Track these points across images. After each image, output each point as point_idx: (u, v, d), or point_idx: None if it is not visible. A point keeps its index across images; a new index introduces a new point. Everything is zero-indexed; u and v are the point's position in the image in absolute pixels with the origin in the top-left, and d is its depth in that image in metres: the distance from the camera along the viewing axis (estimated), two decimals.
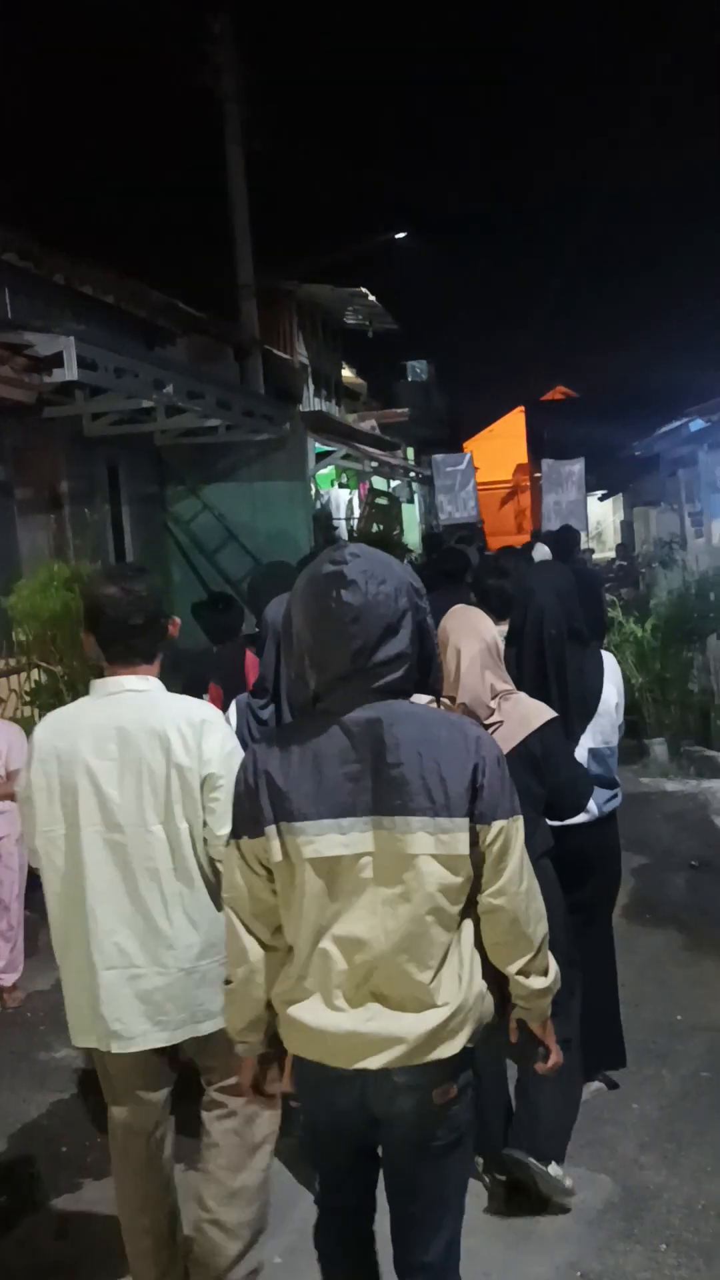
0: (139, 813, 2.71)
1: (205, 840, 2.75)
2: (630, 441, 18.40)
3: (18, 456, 9.32)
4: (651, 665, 9.16)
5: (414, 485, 24.00)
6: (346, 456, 16.13)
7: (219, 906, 2.60)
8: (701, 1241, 3.37)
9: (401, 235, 21.43)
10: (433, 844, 2.14)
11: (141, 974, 2.76)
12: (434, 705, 2.35)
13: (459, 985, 2.19)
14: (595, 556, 19.79)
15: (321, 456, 14.91)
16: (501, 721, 3.28)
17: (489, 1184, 3.65)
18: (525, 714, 3.33)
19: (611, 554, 19.89)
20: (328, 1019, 2.18)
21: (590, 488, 24.53)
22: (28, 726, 6.84)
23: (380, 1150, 2.36)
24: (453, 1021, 2.18)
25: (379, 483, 20.89)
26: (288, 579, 4.03)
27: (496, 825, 2.17)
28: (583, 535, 14.01)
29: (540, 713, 3.36)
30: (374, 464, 18.30)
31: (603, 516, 26.82)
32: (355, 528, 17.48)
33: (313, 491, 14.74)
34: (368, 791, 2.16)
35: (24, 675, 7.22)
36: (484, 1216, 3.54)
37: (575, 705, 3.82)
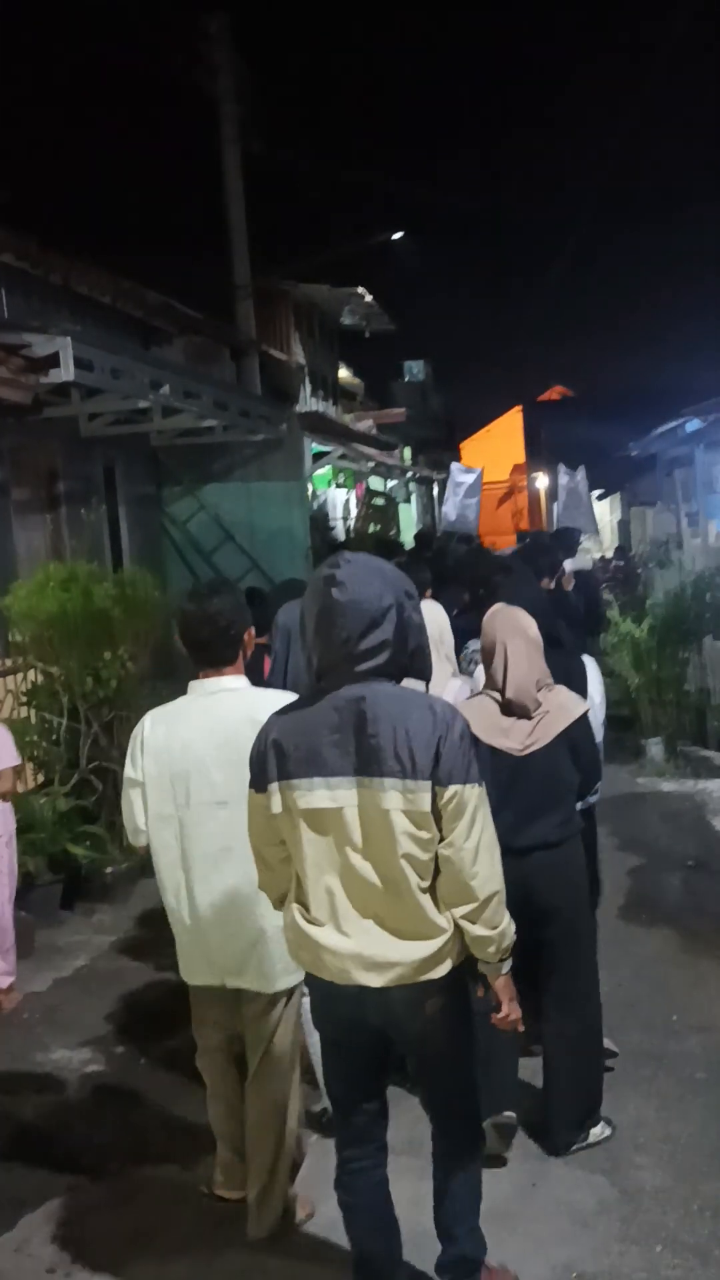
0: (241, 791, 2.94)
1: None
2: (627, 441, 18.41)
3: (14, 457, 9.32)
4: (648, 665, 9.17)
5: (411, 485, 23.99)
6: (343, 457, 16.13)
7: None
8: (697, 1242, 3.38)
9: (398, 235, 21.43)
10: (402, 801, 2.59)
11: (238, 935, 3.27)
12: (424, 690, 2.78)
13: (444, 920, 2.65)
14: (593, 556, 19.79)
15: (318, 457, 14.91)
16: (548, 711, 3.67)
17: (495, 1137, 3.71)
18: (565, 704, 3.70)
19: (609, 553, 19.89)
20: (336, 942, 2.66)
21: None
22: (25, 727, 6.88)
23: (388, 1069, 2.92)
24: (441, 948, 2.65)
25: (376, 483, 20.89)
26: (300, 592, 4.57)
27: (452, 788, 2.60)
28: (585, 537, 14.08)
29: (577, 703, 3.74)
30: (371, 464, 18.30)
31: (600, 516, 26.82)
32: (352, 528, 17.48)
33: (309, 492, 14.74)
34: (351, 756, 2.62)
35: (20, 676, 7.23)
36: (480, 1221, 3.54)
37: None
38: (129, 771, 3.35)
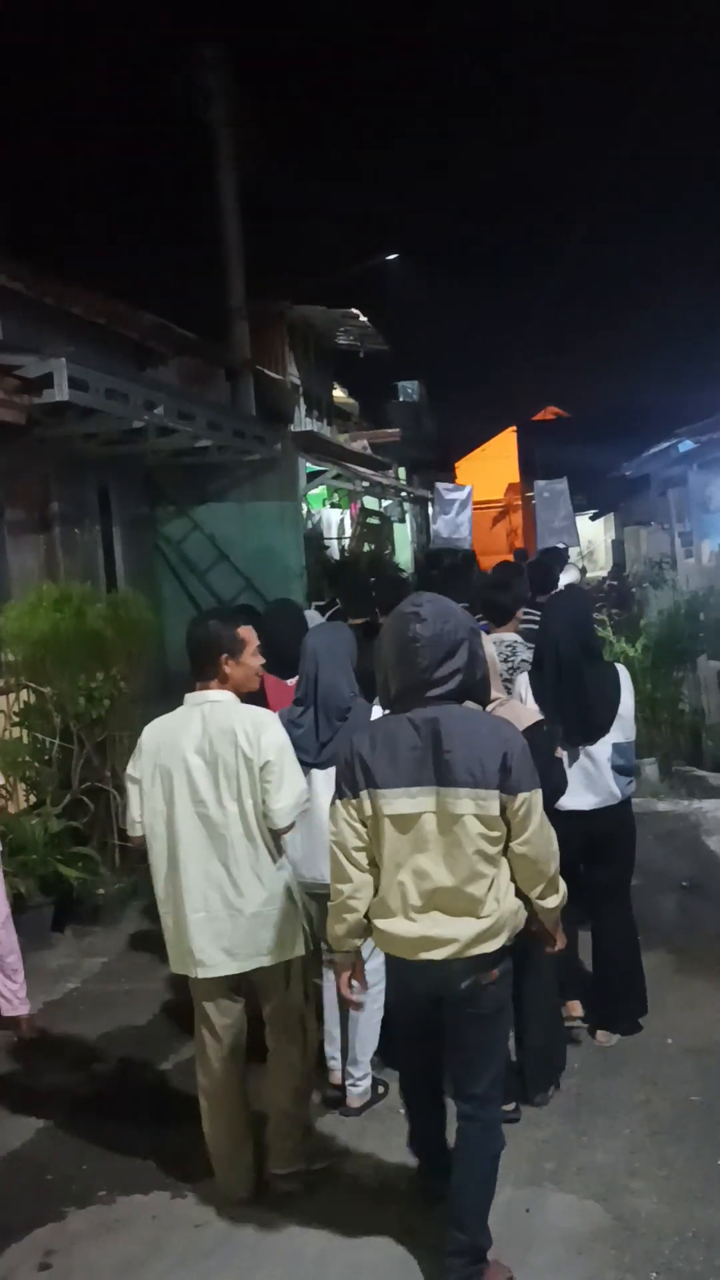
0: (217, 793, 3.54)
1: (265, 813, 3.57)
2: (621, 462, 18.45)
3: (8, 477, 9.31)
4: (642, 685, 9.14)
5: (405, 505, 24.01)
6: (338, 476, 16.17)
7: (276, 864, 3.66)
8: (693, 1270, 3.34)
9: (393, 256, 21.55)
10: (474, 806, 3.05)
11: (219, 917, 3.59)
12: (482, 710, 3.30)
13: (498, 903, 3.12)
14: (587, 575, 19.80)
15: (313, 476, 14.94)
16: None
17: None
18: (517, 715, 4.00)
19: (603, 573, 19.91)
20: (404, 927, 3.12)
21: (581, 507, 24.62)
22: (17, 748, 6.85)
23: (445, 1024, 3.28)
24: (494, 927, 3.11)
25: (370, 502, 20.90)
26: (296, 614, 5.64)
27: (521, 796, 3.08)
28: (574, 552, 14.31)
29: (529, 716, 4.14)
30: (365, 484, 18.32)
31: (594, 536, 26.86)
32: (347, 547, 17.50)
33: (304, 511, 14.76)
34: (430, 768, 3.07)
35: (12, 696, 7.20)
36: None
37: (597, 710, 4.61)
38: (130, 769, 3.71)
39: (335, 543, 17.66)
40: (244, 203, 15.04)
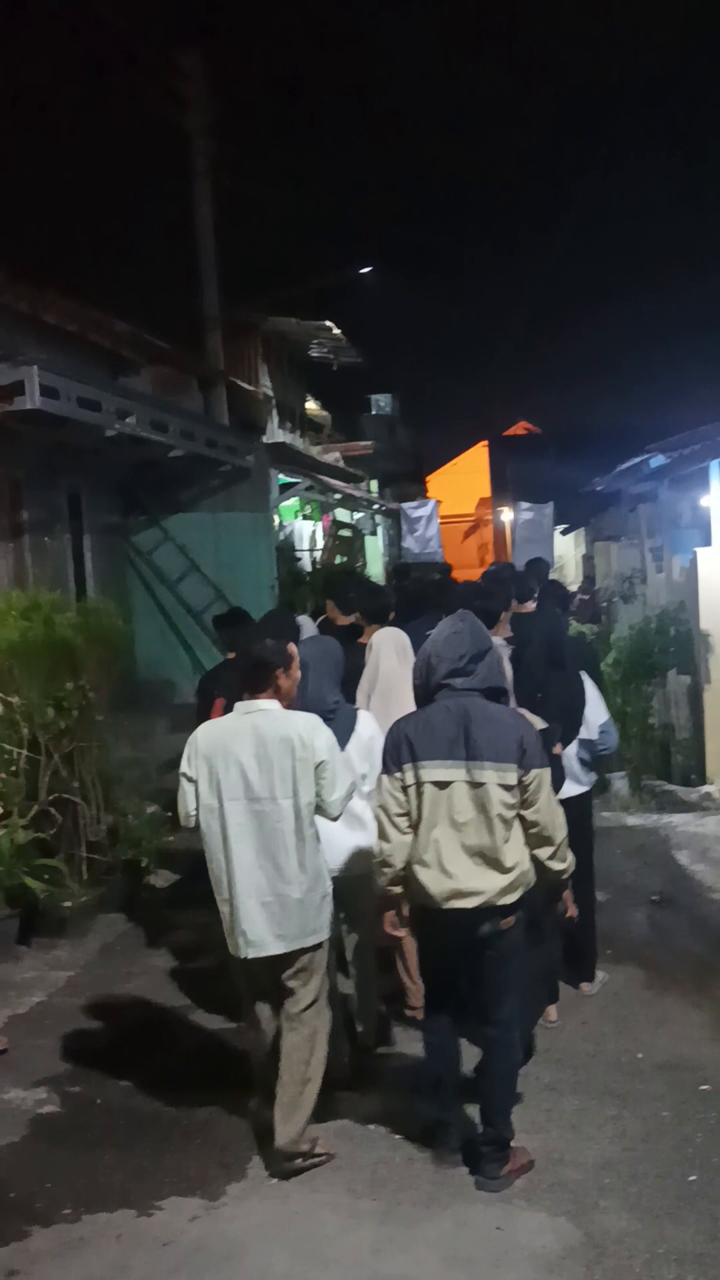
0: (271, 790, 3.95)
1: (318, 805, 3.98)
2: (592, 477, 18.52)
3: None
4: (612, 699, 9.16)
5: (377, 518, 24.02)
6: (310, 488, 16.15)
7: (317, 854, 4.06)
8: None
9: (367, 270, 21.57)
10: (496, 777, 3.73)
11: (269, 902, 3.96)
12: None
13: (516, 862, 3.75)
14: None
15: (285, 488, 14.91)
16: None
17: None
18: None
19: (574, 588, 19.96)
20: (440, 881, 3.76)
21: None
22: None
23: (469, 965, 3.87)
24: (515, 880, 3.75)
25: (342, 515, 20.88)
26: (291, 622, 6.08)
27: (534, 771, 3.77)
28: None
29: (533, 724, 4.54)
30: (338, 496, 18.32)
31: (565, 551, 26.94)
32: (318, 559, 17.47)
33: (276, 523, 14.72)
34: (461, 746, 3.76)
35: None
36: (440, 1265, 3.47)
37: (562, 714, 5.04)
38: (184, 769, 4.07)
39: (307, 555, 17.62)
40: (219, 213, 15.04)
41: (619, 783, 8.98)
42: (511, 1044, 3.98)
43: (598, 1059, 4.74)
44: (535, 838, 3.82)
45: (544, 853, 3.84)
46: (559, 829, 3.85)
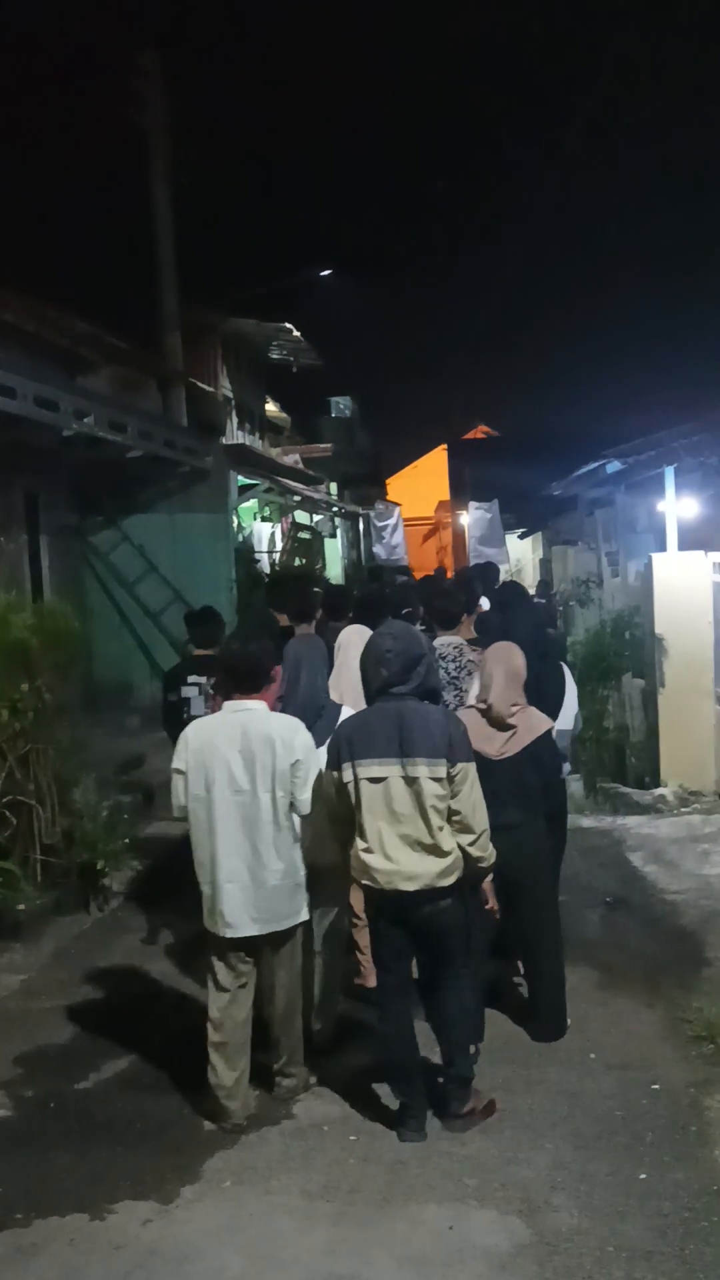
0: (252, 784, 4.27)
1: (292, 803, 4.30)
2: (549, 481, 18.65)
3: None
4: None
5: (336, 520, 24.03)
6: (269, 490, 16.12)
7: (293, 844, 4.38)
8: None
9: (327, 272, 21.60)
10: (428, 771, 4.03)
11: (247, 886, 4.28)
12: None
13: (452, 848, 4.08)
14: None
15: (244, 489, 14.87)
16: (516, 728, 4.88)
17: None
18: (533, 724, 4.91)
19: (530, 591, 20.06)
20: (383, 864, 4.07)
21: (510, 526, 24.84)
22: None
23: (415, 940, 4.19)
24: (449, 865, 4.08)
25: (302, 517, 20.88)
26: (273, 621, 6.77)
27: (460, 765, 4.07)
28: (503, 569, 14.66)
29: (542, 723, 4.96)
30: (297, 498, 18.30)
31: (522, 554, 27.11)
32: (277, 561, 17.45)
33: (235, 524, 14.69)
34: (395, 744, 4.05)
35: None
36: (393, 1265, 3.49)
37: (542, 701, 5.20)
38: (176, 763, 4.38)
39: (266, 557, 17.59)
40: (178, 213, 14.99)
41: (574, 785, 9.06)
42: (463, 987, 4.30)
43: (550, 1059, 4.79)
44: (459, 824, 4.11)
45: (465, 839, 4.14)
46: (480, 820, 4.16)
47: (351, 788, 4.12)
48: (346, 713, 4.85)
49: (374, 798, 4.09)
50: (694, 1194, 3.78)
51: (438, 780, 4.04)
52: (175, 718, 6.42)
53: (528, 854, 4.82)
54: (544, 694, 5.36)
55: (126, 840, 7.33)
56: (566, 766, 5.76)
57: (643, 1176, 3.90)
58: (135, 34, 14.97)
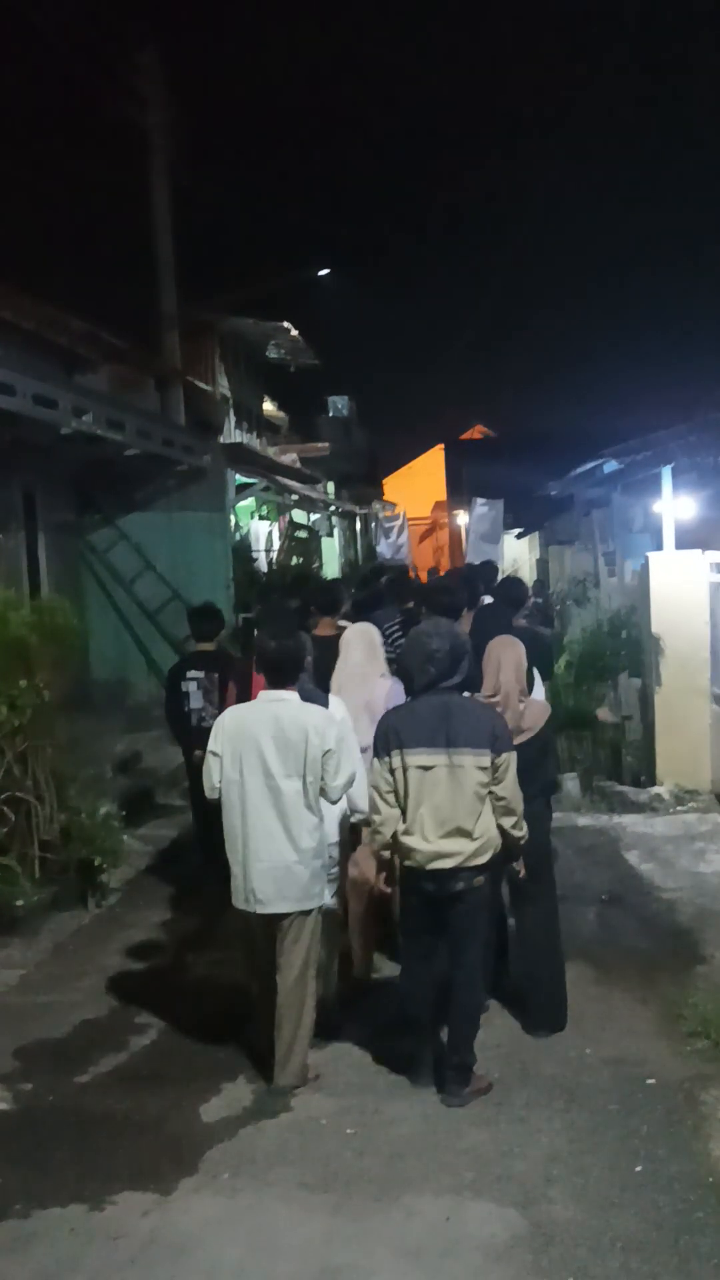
0: (284, 770, 4.51)
1: (323, 788, 4.54)
2: (546, 481, 18.68)
3: None
4: (565, 701, 9.29)
5: (334, 519, 24.04)
6: (266, 489, 16.13)
7: (321, 828, 4.65)
8: (608, 1275, 3.39)
9: (325, 272, 21.61)
10: (473, 760, 4.37)
11: (276, 866, 4.51)
12: (473, 698, 4.78)
13: (485, 830, 4.41)
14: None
15: (242, 488, 14.89)
16: (524, 716, 5.05)
17: None
18: (537, 713, 5.14)
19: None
20: (422, 845, 4.39)
21: (507, 526, 24.88)
22: None
23: (445, 916, 4.47)
24: (483, 845, 4.40)
25: (299, 516, 20.90)
26: (290, 616, 6.92)
27: (504, 755, 4.42)
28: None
29: (545, 712, 5.21)
30: (294, 497, 18.33)
31: (519, 554, 27.12)
32: (274, 560, 17.47)
33: (232, 523, 14.71)
34: (442, 734, 4.38)
35: None
36: (390, 1256, 3.52)
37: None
38: (212, 746, 4.61)
39: (263, 555, 17.61)
40: (177, 212, 15.01)
41: (570, 784, 9.09)
42: (475, 984, 4.59)
43: (546, 1053, 4.82)
44: (502, 809, 4.45)
45: (508, 821, 4.48)
46: (520, 804, 4.51)
47: (400, 774, 4.43)
48: (335, 703, 5.12)
49: (420, 784, 4.39)
50: (688, 1187, 3.82)
51: (483, 769, 4.38)
52: (177, 709, 7.10)
53: (536, 833, 4.98)
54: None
55: (124, 837, 7.34)
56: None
57: (638, 1170, 3.93)
58: (135, 32, 14.98)
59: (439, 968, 4.62)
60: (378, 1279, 3.43)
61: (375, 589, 9.14)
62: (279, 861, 4.52)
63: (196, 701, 7.00)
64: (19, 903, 6.49)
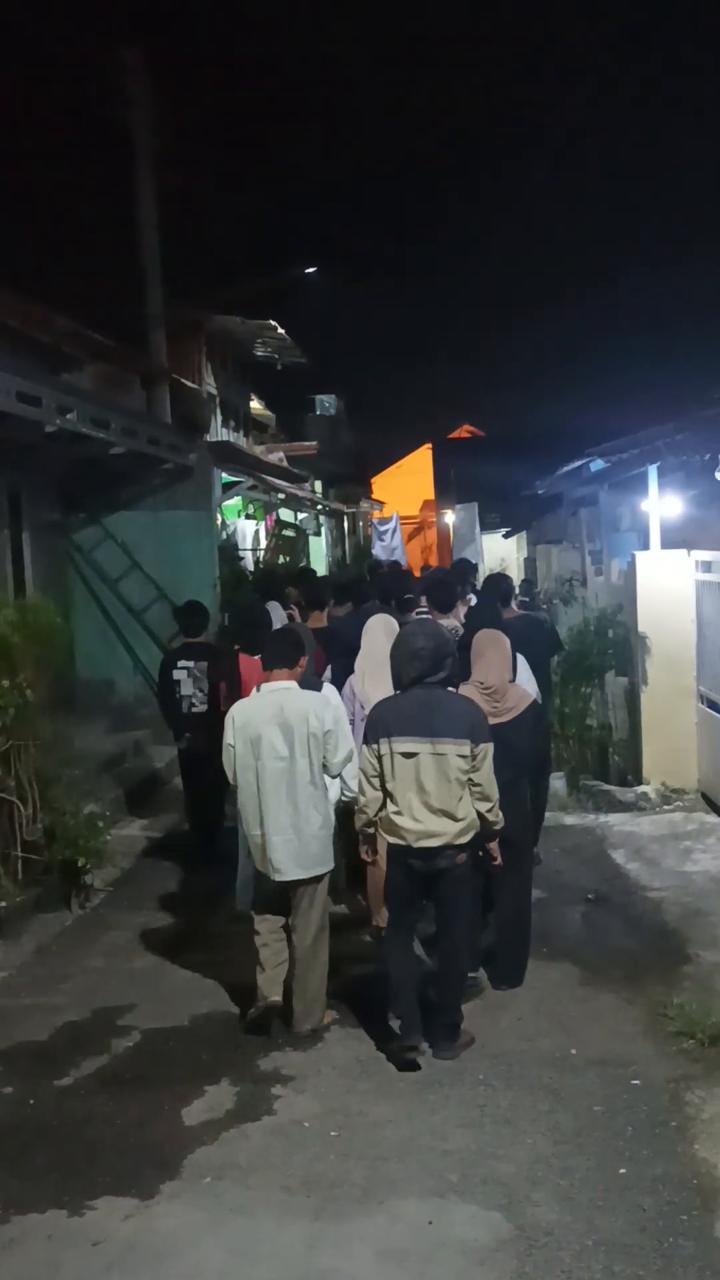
0: (291, 751, 5.04)
1: (325, 766, 5.11)
2: (533, 480, 18.70)
3: None
4: (551, 701, 9.27)
5: (321, 518, 24.01)
6: (253, 488, 16.08)
7: (328, 801, 5.21)
8: (592, 1277, 3.37)
9: (312, 270, 21.56)
10: (454, 749, 4.73)
11: (290, 838, 5.04)
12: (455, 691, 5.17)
13: (467, 812, 4.76)
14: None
15: (228, 487, 14.84)
16: (509, 697, 5.52)
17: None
18: (521, 695, 5.62)
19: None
20: (412, 824, 4.74)
21: (494, 525, 24.91)
22: None
23: (433, 891, 4.85)
24: (465, 826, 4.76)
25: (286, 515, 20.86)
26: (263, 608, 7.75)
27: (481, 745, 4.78)
28: (482, 568, 14.84)
29: (529, 695, 5.72)
30: (281, 496, 18.28)
31: (506, 553, 27.13)
32: (261, 559, 17.42)
33: (219, 522, 14.66)
34: (427, 725, 4.74)
35: None
36: (373, 1259, 3.49)
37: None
38: (228, 738, 5.13)
39: (250, 554, 17.56)
40: (163, 210, 14.94)
41: (557, 783, 9.07)
42: (462, 950, 4.96)
43: (531, 1055, 4.80)
44: (478, 795, 4.81)
45: (483, 807, 4.84)
46: (494, 791, 4.86)
47: (388, 760, 4.79)
48: (329, 690, 5.69)
49: (405, 769, 4.77)
50: (673, 1188, 3.80)
51: (463, 757, 4.74)
52: (169, 696, 7.85)
53: (517, 807, 5.38)
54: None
55: (108, 838, 7.30)
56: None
57: (622, 1171, 3.91)
58: (120, 29, 14.93)
59: (420, 936, 5.20)
60: None
61: (361, 586, 9.61)
62: (293, 835, 5.03)
63: (187, 689, 7.75)
64: (1, 904, 6.44)
